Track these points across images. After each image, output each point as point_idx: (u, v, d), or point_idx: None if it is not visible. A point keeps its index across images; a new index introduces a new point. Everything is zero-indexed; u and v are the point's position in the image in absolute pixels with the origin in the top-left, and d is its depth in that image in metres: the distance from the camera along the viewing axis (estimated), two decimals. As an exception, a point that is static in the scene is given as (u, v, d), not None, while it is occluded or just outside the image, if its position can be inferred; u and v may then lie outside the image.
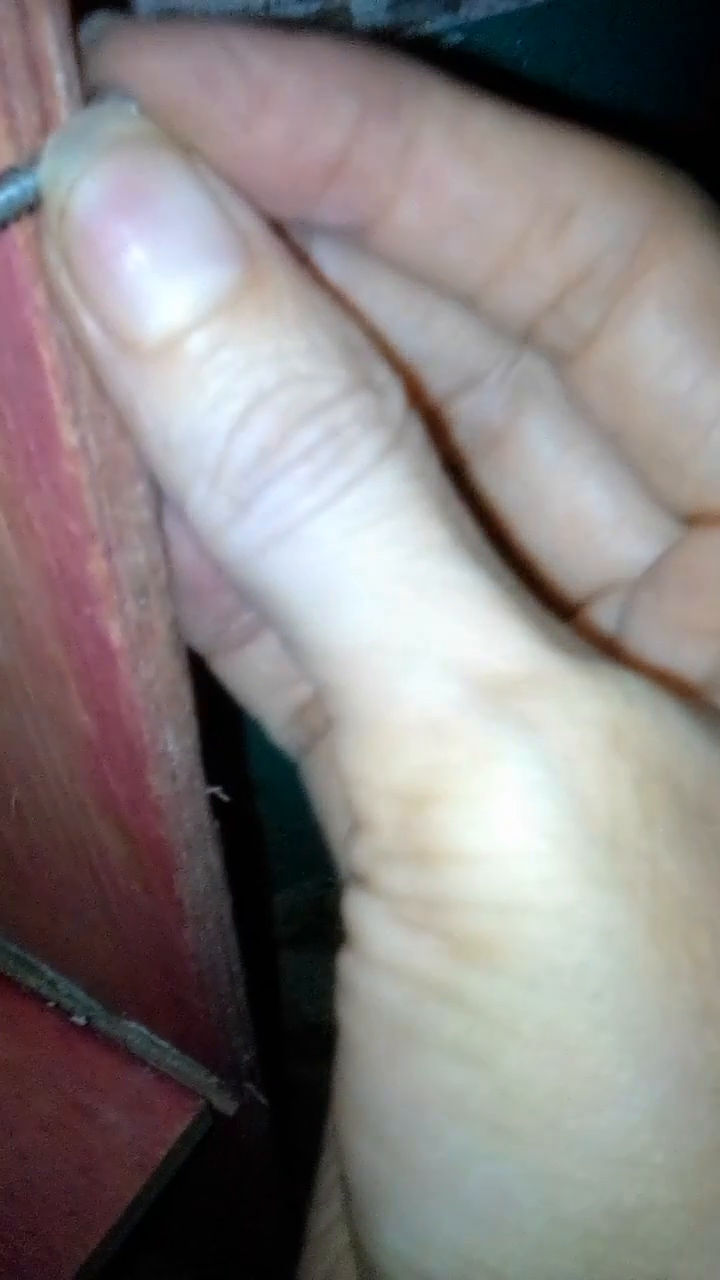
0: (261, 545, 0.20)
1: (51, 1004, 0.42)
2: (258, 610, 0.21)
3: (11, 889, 0.39)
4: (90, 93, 0.19)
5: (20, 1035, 0.41)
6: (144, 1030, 0.41)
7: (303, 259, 0.20)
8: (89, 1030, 0.41)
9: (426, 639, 0.19)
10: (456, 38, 0.36)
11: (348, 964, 0.21)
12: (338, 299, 0.21)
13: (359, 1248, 0.22)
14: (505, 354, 0.25)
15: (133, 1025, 0.41)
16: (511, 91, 0.23)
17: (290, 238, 0.21)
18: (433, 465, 0.20)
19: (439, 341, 0.25)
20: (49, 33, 0.17)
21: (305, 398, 0.19)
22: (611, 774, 0.19)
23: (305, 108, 0.20)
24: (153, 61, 0.19)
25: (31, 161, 0.18)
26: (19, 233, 0.19)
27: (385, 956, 0.20)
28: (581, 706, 0.19)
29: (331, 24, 0.34)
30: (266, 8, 0.33)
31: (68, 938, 0.39)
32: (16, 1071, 0.40)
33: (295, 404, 0.19)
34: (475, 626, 0.19)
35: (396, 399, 0.20)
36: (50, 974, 0.42)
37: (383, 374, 0.20)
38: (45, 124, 0.18)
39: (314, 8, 0.33)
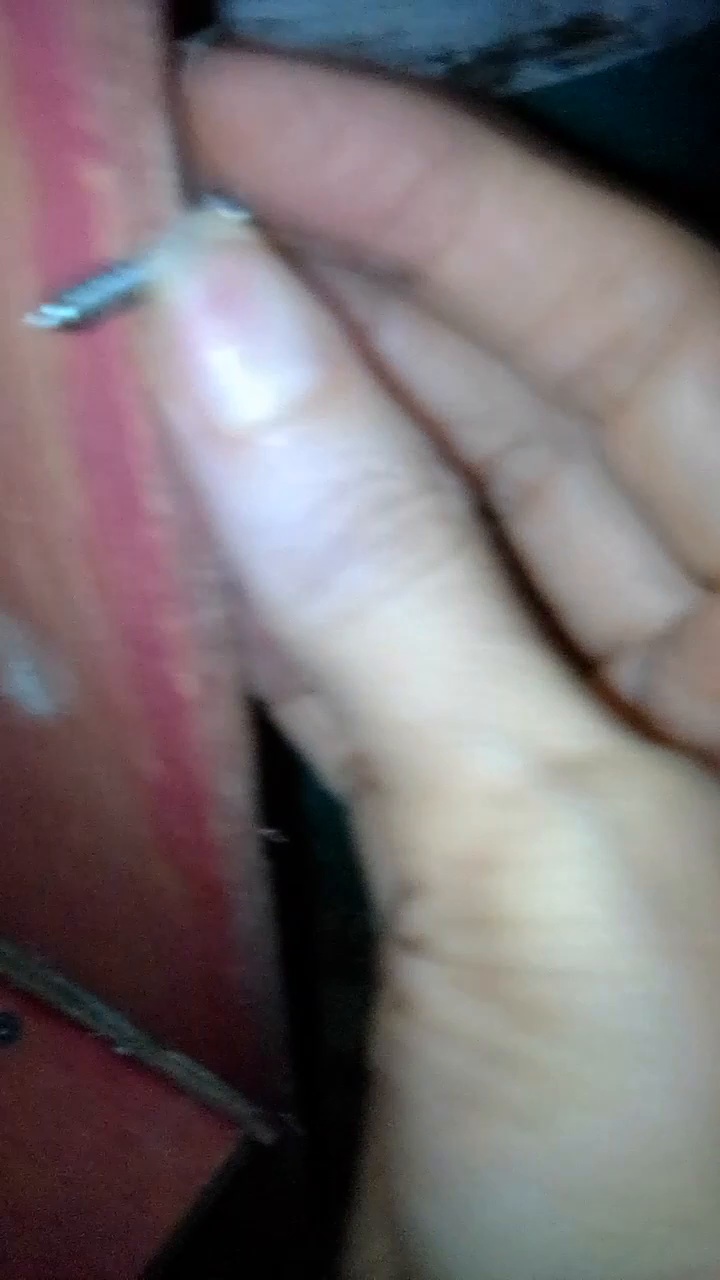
0: (329, 624, 0.21)
1: (96, 1035, 0.43)
2: (312, 681, 0.22)
3: (61, 923, 0.40)
4: (196, 191, 0.20)
5: (66, 1065, 0.42)
6: (186, 1061, 0.42)
7: (377, 366, 0.22)
8: (132, 1061, 0.42)
9: (490, 714, 0.20)
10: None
11: (402, 1027, 0.22)
12: (408, 407, 0.22)
13: None
14: (552, 415, 0.27)
15: (175, 1056, 0.42)
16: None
17: (367, 344, 0.22)
18: (495, 563, 0.21)
19: (493, 404, 0.26)
20: (154, 136, 0.19)
21: (380, 492, 0.20)
22: (665, 844, 0.20)
23: (371, 153, 0.21)
24: (230, 95, 0.20)
25: (139, 257, 0.19)
26: (121, 319, 0.20)
27: (444, 1022, 0.21)
28: (638, 780, 0.20)
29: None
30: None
31: (117, 971, 0.40)
32: (62, 1101, 0.41)
33: (370, 497, 0.20)
34: (538, 704, 0.20)
35: (460, 502, 0.21)
36: (95, 1005, 0.43)
37: (447, 479, 0.21)
38: (149, 221, 0.19)
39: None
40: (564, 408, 0.25)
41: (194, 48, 0.21)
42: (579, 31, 0.37)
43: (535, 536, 0.28)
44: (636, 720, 0.27)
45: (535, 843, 0.20)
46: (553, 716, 0.20)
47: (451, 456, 0.24)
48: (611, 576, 0.28)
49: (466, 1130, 0.20)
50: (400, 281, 0.23)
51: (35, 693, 0.30)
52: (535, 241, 0.22)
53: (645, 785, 0.20)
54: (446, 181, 0.22)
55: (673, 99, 0.40)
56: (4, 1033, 0.43)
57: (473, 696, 0.20)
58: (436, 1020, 0.21)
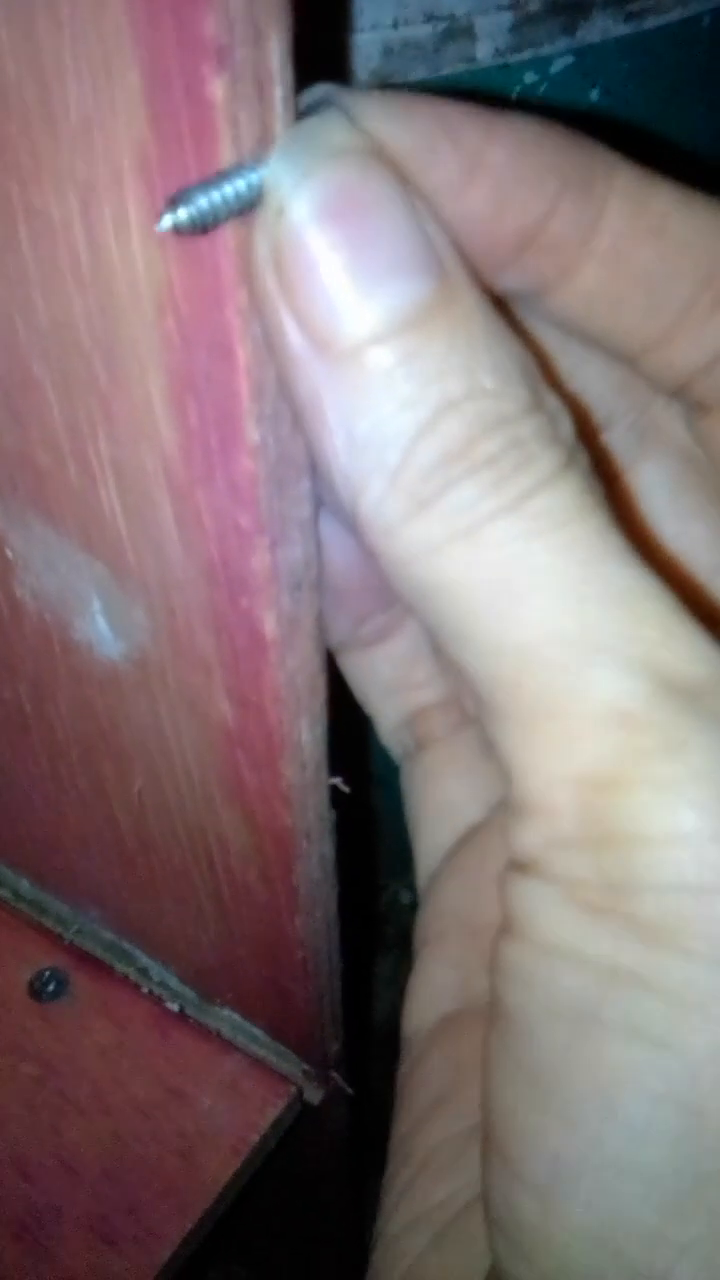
0: (439, 543, 0.20)
1: (145, 990, 0.43)
2: (413, 606, 0.22)
3: (116, 877, 0.39)
4: (301, 111, 0.20)
5: (116, 1021, 0.42)
6: (237, 1017, 0.42)
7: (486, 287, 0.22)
8: (182, 1017, 0.42)
9: (610, 636, 0.20)
10: (568, 60, 0.38)
11: (514, 951, 0.22)
12: (515, 327, 0.22)
13: (517, 1230, 0.22)
14: (638, 403, 0.27)
15: (225, 1013, 0.42)
16: (617, 109, 0.24)
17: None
18: (601, 487, 0.21)
19: (584, 386, 0.26)
20: (275, 50, 0.18)
21: (490, 410, 0.20)
22: None
23: (511, 179, 0.21)
24: (376, 127, 0.20)
25: (256, 161, 0.19)
26: (231, 236, 0.20)
27: (562, 942, 0.21)
28: None
29: (456, 44, 0.35)
30: (395, 25, 0.34)
31: (169, 926, 0.40)
32: (113, 1056, 0.41)
33: (481, 414, 0.20)
34: (658, 628, 0.20)
35: (567, 424, 0.21)
36: (144, 961, 0.43)
37: (554, 401, 0.21)
38: (264, 135, 0.19)
39: (440, 27, 0.34)
40: (679, 400, 0.25)
41: (317, 91, 0.21)
42: (647, -18, 0.37)
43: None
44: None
45: (664, 763, 0.20)
46: (671, 641, 0.20)
47: (553, 380, 0.24)
48: (686, 562, 0.28)
49: (591, 1050, 0.20)
50: (530, 299, 0.24)
51: (106, 635, 0.30)
52: (661, 253, 0.23)
53: None
54: (578, 202, 0.22)
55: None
56: (53, 989, 0.43)
57: (590, 618, 0.20)
58: (553, 941, 0.21)
